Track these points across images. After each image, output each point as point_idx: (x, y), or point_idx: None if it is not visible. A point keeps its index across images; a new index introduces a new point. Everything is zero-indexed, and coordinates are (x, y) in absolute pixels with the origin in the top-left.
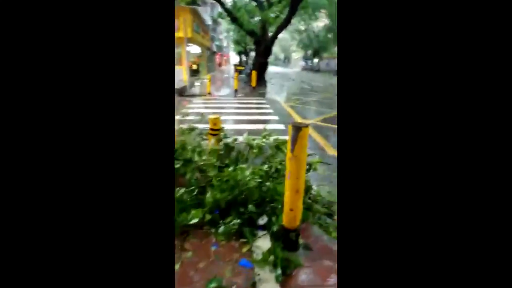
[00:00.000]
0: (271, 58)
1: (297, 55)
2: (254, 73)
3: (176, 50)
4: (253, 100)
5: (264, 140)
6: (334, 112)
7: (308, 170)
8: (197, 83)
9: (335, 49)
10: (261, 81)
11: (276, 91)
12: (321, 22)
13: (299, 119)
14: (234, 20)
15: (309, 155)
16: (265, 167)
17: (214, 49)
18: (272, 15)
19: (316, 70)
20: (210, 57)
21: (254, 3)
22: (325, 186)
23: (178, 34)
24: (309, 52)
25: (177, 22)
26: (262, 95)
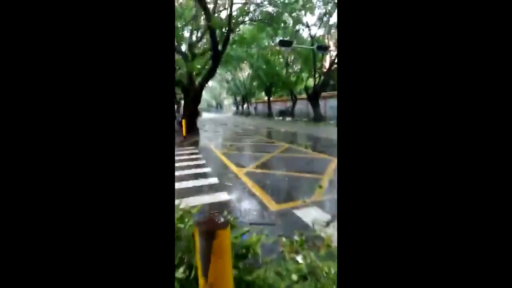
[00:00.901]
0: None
1: (228, 101)
2: (184, 122)
3: None
4: (184, 151)
5: (179, 224)
6: (268, 156)
7: (244, 256)
8: None
9: (261, 94)
10: (193, 129)
11: (209, 138)
12: (245, 71)
13: (234, 168)
14: None
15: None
16: (180, 271)
17: None
18: (198, 66)
19: (246, 114)
20: None
21: (179, 56)
22: None
23: None
24: (238, 98)
25: None
26: (195, 144)
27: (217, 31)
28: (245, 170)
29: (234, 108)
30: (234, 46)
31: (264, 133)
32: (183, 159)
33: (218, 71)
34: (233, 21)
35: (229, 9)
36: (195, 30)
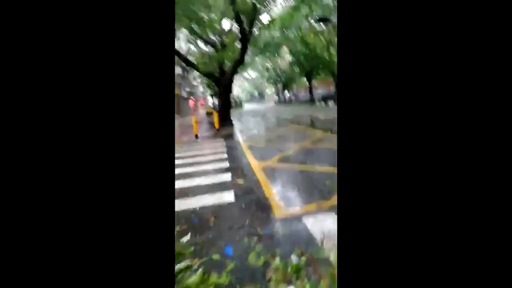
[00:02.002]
0: (248, 96)
1: (270, 90)
2: (216, 115)
3: None
4: (210, 145)
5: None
6: (293, 148)
7: None
8: None
9: (303, 80)
10: (227, 121)
11: (241, 130)
12: (286, 57)
13: (254, 162)
14: (188, 64)
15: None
16: None
17: (184, 95)
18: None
19: (288, 102)
20: (183, 103)
21: (210, 47)
22: None
23: None
24: (280, 86)
25: None
26: (226, 137)
27: (245, 16)
28: (265, 164)
29: (276, 98)
30: (268, 31)
31: (301, 122)
32: (206, 153)
33: (257, 59)
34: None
35: None
36: (224, 18)
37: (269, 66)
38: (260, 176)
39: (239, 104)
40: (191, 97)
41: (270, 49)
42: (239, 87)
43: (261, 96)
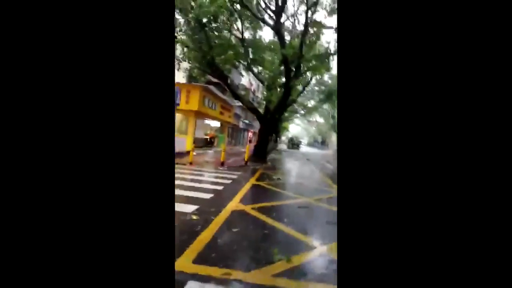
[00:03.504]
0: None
1: (334, 137)
2: (247, 148)
3: (184, 122)
4: (219, 174)
5: None
6: (296, 200)
7: None
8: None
9: None
10: (260, 158)
11: (268, 168)
12: None
13: (234, 203)
14: (236, 97)
15: None
16: None
17: (241, 125)
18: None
19: None
20: (237, 133)
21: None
22: None
23: (188, 106)
24: None
25: (187, 97)
26: (245, 171)
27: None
28: (239, 207)
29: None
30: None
31: (334, 175)
32: (203, 179)
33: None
34: (306, 48)
35: (300, 36)
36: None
37: (334, 114)
38: (219, 219)
39: (295, 145)
40: (249, 129)
41: (332, 97)
42: (304, 130)
43: (324, 142)
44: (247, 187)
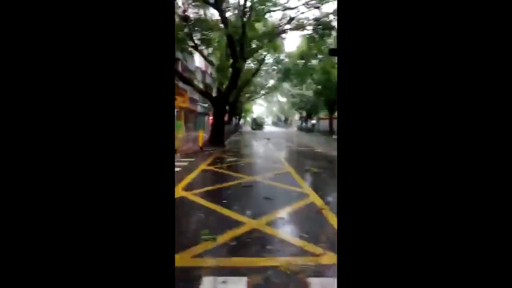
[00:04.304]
0: (273, 119)
1: (297, 116)
2: (200, 134)
3: None
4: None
5: None
6: (244, 180)
7: None
8: None
9: (325, 110)
10: (217, 141)
11: (223, 152)
12: (312, 87)
13: (178, 189)
14: (184, 81)
15: None
16: None
17: (200, 110)
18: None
19: (308, 130)
20: (196, 118)
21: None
22: None
23: None
24: (304, 113)
25: None
26: (199, 157)
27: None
28: (181, 194)
29: (300, 124)
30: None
31: (291, 153)
32: None
33: (285, 85)
34: (249, 24)
35: (240, 12)
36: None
37: (295, 93)
38: None
39: (258, 125)
40: (210, 113)
41: (290, 76)
42: (267, 109)
43: (287, 120)
44: (195, 173)
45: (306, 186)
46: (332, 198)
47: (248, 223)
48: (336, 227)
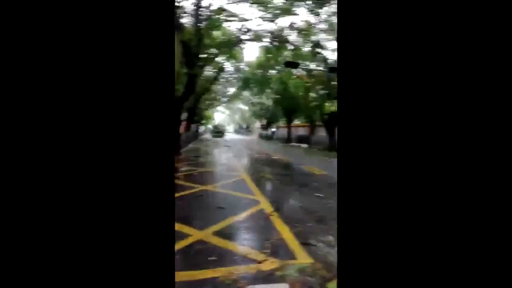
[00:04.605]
0: (235, 127)
1: (258, 124)
2: None
3: None
4: None
5: None
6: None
7: None
8: None
9: (284, 118)
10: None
11: (181, 161)
12: (271, 96)
13: None
14: None
15: None
16: None
17: None
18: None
19: (268, 138)
20: None
21: None
22: None
23: None
24: (264, 121)
25: None
26: None
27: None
28: None
29: (261, 132)
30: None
31: (249, 160)
32: None
33: (245, 93)
34: (203, 35)
35: (195, 20)
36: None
37: (255, 101)
38: None
39: (219, 133)
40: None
41: (249, 85)
42: (229, 117)
43: (248, 128)
44: None
45: (258, 193)
46: (282, 203)
47: (195, 234)
48: (281, 233)
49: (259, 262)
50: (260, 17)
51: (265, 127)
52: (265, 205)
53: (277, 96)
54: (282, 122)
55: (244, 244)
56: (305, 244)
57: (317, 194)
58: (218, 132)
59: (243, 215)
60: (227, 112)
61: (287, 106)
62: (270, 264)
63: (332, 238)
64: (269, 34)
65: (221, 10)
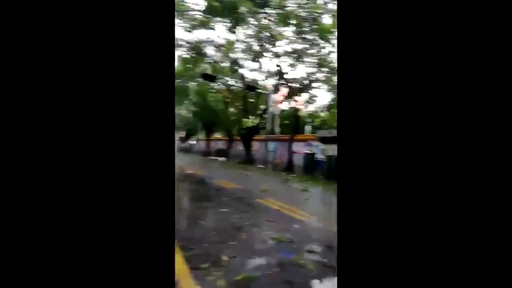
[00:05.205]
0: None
1: (177, 137)
2: None
3: None
4: None
5: None
6: None
7: None
8: None
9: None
10: None
11: None
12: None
13: None
14: None
15: None
16: None
17: None
18: None
19: (186, 150)
20: None
21: None
22: None
23: None
24: (184, 134)
25: None
26: None
27: None
28: None
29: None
30: None
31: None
32: None
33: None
34: None
35: None
36: None
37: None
38: None
39: None
40: None
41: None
42: None
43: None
44: None
45: None
46: (180, 223)
47: None
48: None
49: None
50: (176, 25)
51: (184, 139)
52: None
53: (197, 109)
54: (201, 135)
55: None
56: (195, 268)
57: (221, 210)
58: None
59: None
60: None
61: (207, 120)
62: None
63: (227, 258)
64: (187, 44)
65: None
